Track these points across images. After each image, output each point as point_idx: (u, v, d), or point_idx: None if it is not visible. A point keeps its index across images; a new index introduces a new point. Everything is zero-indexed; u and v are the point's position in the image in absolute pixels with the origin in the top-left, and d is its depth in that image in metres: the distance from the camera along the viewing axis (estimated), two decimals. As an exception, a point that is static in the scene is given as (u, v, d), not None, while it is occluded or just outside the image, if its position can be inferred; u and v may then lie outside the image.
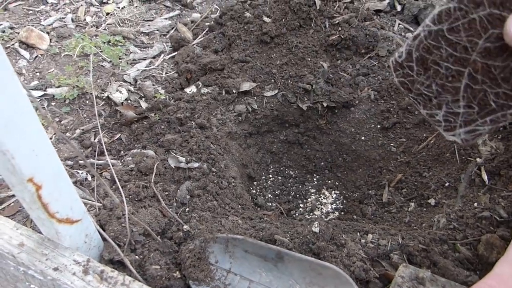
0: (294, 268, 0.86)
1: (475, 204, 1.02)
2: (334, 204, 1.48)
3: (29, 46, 1.64)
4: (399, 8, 1.85)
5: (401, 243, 0.96)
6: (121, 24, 1.86)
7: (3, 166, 0.61)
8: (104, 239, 0.91)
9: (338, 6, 1.61)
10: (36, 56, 1.61)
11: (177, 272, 0.89)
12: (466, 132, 0.61)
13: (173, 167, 1.19)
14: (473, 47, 0.53)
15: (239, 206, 1.21)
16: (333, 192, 1.53)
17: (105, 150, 1.06)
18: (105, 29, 1.82)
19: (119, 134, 1.35)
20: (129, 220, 0.92)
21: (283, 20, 1.56)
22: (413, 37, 0.60)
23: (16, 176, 0.63)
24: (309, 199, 1.53)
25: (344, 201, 1.48)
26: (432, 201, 1.17)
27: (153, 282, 0.85)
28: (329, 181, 1.57)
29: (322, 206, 1.48)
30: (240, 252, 0.90)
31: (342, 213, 1.44)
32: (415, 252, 0.93)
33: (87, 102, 1.43)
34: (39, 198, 0.68)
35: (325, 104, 1.52)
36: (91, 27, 1.82)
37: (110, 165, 1.02)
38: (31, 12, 1.85)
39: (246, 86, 1.49)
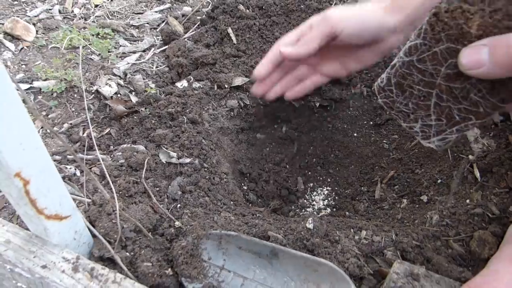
0: (289, 265, 0.85)
1: (468, 201, 1.02)
2: (326, 201, 1.47)
3: (14, 38, 1.59)
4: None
5: (395, 240, 0.96)
6: (110, 17, 1.82)
7: (-12, 160, 0.58)
8: (94, 236, 0.89)
9: None
10: (22, 48, 1.57)
11: (169, 269, 0.87)
12: (439, 140, 0.74)
13: (164, 162, 1.17)
14: (437, 73, 0.66)
15: (231, 202, 1.20)
16: (325, 188, 1.52)
17: (95, 145, 1.03)
18: (93, 22, 1.77)
19: (109, 129, 1.32)
20: (120, 216, 0.89)
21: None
22: (391, 66, 0.73)
23: (3, 171, 0.60)
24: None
25: (336, 198, 1.48)
26: (424, 198, 1.17)
27: (144, 279, 0.84)
28: (321, 178, 1.57)
29: (314, 203, 1.47)
30: (233, 249, 0.89)
31: (334, 209, 1.43)
32: (409, 248, 0.93)
33: (75, 95, 1.39)
34: (26, 194, 0.66)
35: (317, 101, 1.51)
36: (79, 19, 1.78)
37: (100, 160, 0.99)
38: (16, 2, 1.79)
39: (238, 81, 1.47)
